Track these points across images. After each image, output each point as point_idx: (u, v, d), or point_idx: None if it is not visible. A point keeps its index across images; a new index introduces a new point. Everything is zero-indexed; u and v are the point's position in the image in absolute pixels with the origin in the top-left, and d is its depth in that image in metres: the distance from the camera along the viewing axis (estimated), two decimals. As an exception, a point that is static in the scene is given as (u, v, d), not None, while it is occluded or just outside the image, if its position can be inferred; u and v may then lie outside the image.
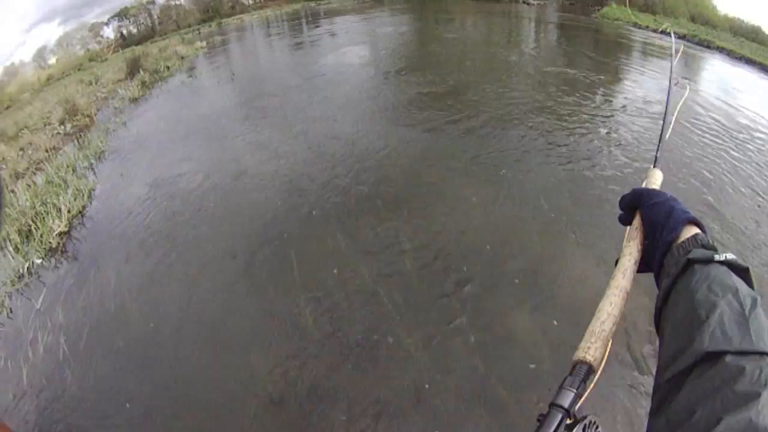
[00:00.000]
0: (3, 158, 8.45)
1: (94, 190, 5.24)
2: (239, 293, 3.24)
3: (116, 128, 7.84)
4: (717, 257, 0.54)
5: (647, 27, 20.69)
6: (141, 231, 4.06)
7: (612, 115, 5.82)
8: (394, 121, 5.75)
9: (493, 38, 12.81)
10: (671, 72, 1.39)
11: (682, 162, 4.54)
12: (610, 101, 6.36)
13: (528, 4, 34.62)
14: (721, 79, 9.54)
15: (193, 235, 3.87)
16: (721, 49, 16.39)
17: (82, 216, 4.73)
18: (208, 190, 4.50)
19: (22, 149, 8.62)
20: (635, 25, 21.32)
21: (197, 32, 44.79)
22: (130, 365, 2.87)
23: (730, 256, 0.54)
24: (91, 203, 4.94)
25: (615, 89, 7.04)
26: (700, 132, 5.36)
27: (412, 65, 8.43)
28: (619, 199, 0.75)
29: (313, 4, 62.04)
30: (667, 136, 1.07)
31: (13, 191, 6.17)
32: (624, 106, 6.11)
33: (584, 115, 5.75)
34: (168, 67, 14.26)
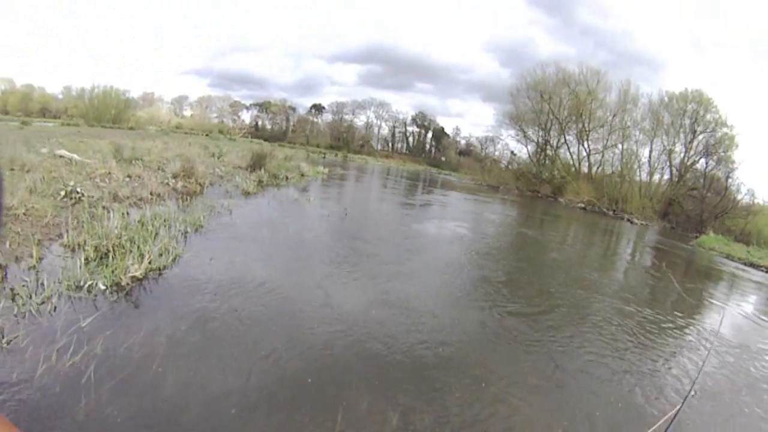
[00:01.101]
0: (110, 173, 8.80)
1: (180, 257, 5.16)
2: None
3: (221, 212, 7.99)
4: None
5: (739, 258, 20.55)
6: (206, 317, 3.83)
7: None
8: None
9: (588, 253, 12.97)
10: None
11: None
12: None
13: (632, 222, 35.73)
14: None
15: (238, 341, 3.62)
16: None
17: (160, 274, 4.58)
18: (273, 308, 4.33)
19: (129, 176, 8.95)
20: (728, 256, 21.23)
21: (323, 156, 49.16)
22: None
23: None
24: (172, 268, 4.83)
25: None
26: None
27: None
28: None
29: (434, 170, 67.38)
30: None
31: (107, 209, 6.27)
32: None
33: None
34: (287, 178, 15.24)
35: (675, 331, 6.02)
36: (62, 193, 6.47)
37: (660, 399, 3.88)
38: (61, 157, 9.65)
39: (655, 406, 3.75)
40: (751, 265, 19.09)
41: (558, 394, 3.68)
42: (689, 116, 46.19)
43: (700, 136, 45.98)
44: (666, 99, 47.36)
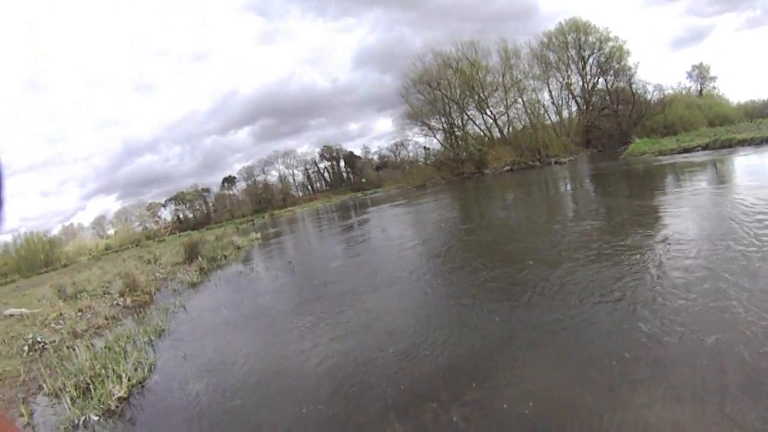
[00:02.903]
0: (62, 314, 9.07)
1: (155, 364, 5.63)
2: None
3: (176, 310, 8.43)
4: None
5: (671, 150, 22.27)
6: (196, 413, 4.26)
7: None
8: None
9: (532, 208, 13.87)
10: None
11: None
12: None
13: (560, 163, 37.15)
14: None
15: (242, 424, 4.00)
16: (742, 142, 17.78)
17: (142, 387, 5.04)
18: (258, 384, 4.70)
19: (80, 310, 9.23)
20: (660, 153, 22.88)
21: (251, 223, 48.85)
22: None
23: None
24: (151, 377, 5.29)
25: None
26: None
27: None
28: None
29: (359, 194, 66.87)
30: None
31: (72, 348, 6.63)
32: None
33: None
34: (225, 256, 15.62)
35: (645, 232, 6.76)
36: (26, 348, 6.80)
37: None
38: (11, 315, 9.79)
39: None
40: (685, 150, 20.79)
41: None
42: (572, 46, 48.74)
43: (590, 59, 48.74)
44: (545, 40, 49.85)
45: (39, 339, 7.07)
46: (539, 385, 3.31)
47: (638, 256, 5.83)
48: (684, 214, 7.76)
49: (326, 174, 79.66)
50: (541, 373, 3.48)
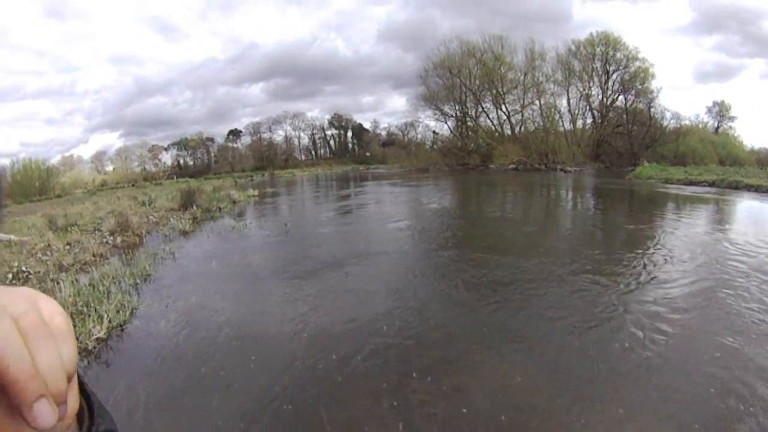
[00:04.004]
0: (50, 245, 8.96)
1: (137, 309, 5.56)
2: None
3: (165, 256, 8.36)
4: None
5: (678, 180, 22.38)
6: (174, 359, 4.24)
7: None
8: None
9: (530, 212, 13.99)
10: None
11: None
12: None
13: (565, 171, 37.35)
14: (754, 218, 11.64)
15: (217, 377, 3.98)
16: (749, 187, 17.82)
17: (122, 330, 4.98)
18: (239, 342, 4.68)
19: (69, 244, 9.12)
20: (667, 181, 22.98)
21: (250, 179, 48.71)
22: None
23: None
24: (131, 321, 5.23)
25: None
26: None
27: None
28: None
29: (362, 167, 66.89)
30: None
31: (56, 281, 6.56)
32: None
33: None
34: (220, 209, 15.54)
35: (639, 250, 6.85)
36: (9, 276, 6.73)
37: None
38: (-1, 241, 9.68)
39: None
40: (691, 183, 20.78)
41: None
42: (599, 59, 48.04)
43: (614, 75, 47.98)
44: (573, 48, 49.08)
45: (24, 268, 7.00)
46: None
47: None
48: (675, 248, 7.77)
49: (332, 142, 79.04)
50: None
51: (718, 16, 67.31)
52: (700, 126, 48.81)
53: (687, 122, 47.43)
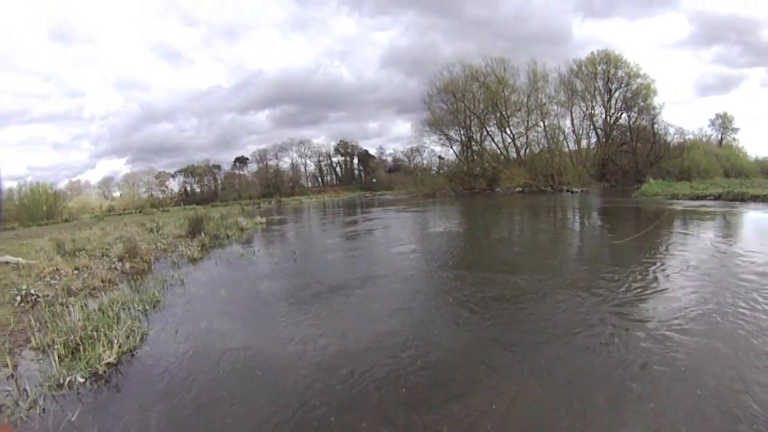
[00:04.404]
0: (58, 269, 8.97)
1: (147, 334, 5.53)
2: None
3: (174, 283, 8.31)
4: None
5: (684, 195, 22.35)
6: (184, 386, 4.18)
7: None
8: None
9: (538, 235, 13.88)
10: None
11: None
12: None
13: (572, 192, 37.04)
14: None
15: (227, 405, 3.93)
16: (755, 198, 18.07)
17: (132, 355, 4.94)
18: (250, 366, 4.63)
19: (77, 269, 9.13)
20: (673, 196, 22.96)
21: (257, 206, 48.81)
22: None
23: None
24: (142, 346, 5.19)
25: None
26: None
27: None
28: None
29: (368, 194, 67.23)
30: None
31: (65, 305, 6.53)
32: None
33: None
34: (228, 236, 15.56)
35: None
36: (18, 298, 6.70)
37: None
38: (6, 263, 9.71)
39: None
40: (697, 197, 20.72)
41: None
42: (601, 77, 48.48)
43: (617, 93, 48.42)
44: (575, 67, 49.69)
45: (32, 291, 6.96)
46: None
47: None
48: (682, 267, 7.59)
49: (338, 168, 79.73)
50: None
51: (717, 27, 68.40)
52: (704, 139, 49.06)
53: (690, 136, 47.72)
